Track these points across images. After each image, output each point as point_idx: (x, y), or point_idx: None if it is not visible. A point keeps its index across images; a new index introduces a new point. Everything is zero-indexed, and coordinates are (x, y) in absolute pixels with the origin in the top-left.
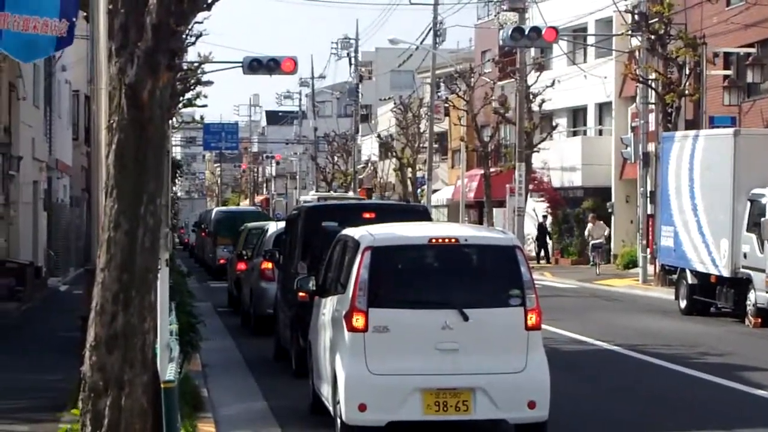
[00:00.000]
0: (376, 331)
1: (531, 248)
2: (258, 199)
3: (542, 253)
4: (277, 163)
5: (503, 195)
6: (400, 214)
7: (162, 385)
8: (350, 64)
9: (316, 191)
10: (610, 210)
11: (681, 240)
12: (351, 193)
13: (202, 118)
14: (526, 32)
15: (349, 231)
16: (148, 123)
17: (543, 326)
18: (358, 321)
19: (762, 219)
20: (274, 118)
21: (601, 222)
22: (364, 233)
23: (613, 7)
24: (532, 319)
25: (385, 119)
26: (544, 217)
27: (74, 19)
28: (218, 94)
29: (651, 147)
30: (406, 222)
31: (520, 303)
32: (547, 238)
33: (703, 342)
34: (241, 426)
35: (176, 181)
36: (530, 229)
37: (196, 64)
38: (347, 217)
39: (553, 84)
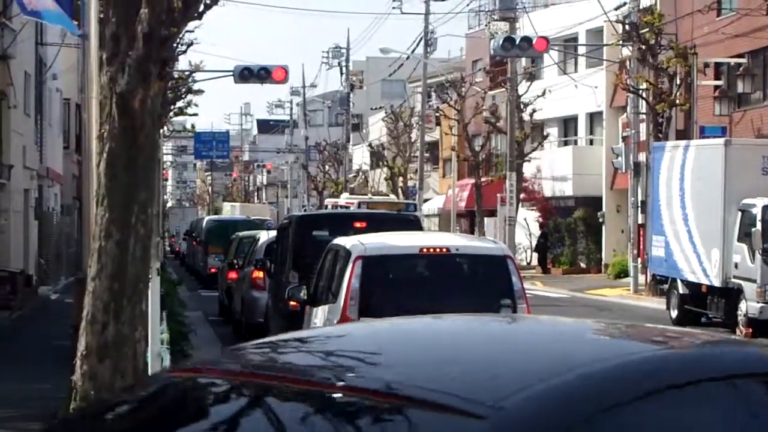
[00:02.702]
0: None
1: (522, 257)
2: None
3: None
4: (268, 171)
5: (494, 204)
6: (390, 224)
7: None
8: (341, 73)
9: (351, 194)
10: (601, 220)
11: (672, 250)
12: (393, 196)
13: (193, 126)
14: (517, 42)
15: (340, 240)
16: (139, 132)
17: None
18: None
19: (753, 229)
20: (265, 126)
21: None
22: (355, 243)
23: (604, 17)
24: None
25: (376, 128)
26: (541, 226)
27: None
28: (209, 103)
29: (642, 157)
30: (397, 231)
31: (511, 312)
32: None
33: None
34: None
35: (165, 185)
36: (521, 239)
37: (187, 73)
38: (338, 227)
39: (544, 94)
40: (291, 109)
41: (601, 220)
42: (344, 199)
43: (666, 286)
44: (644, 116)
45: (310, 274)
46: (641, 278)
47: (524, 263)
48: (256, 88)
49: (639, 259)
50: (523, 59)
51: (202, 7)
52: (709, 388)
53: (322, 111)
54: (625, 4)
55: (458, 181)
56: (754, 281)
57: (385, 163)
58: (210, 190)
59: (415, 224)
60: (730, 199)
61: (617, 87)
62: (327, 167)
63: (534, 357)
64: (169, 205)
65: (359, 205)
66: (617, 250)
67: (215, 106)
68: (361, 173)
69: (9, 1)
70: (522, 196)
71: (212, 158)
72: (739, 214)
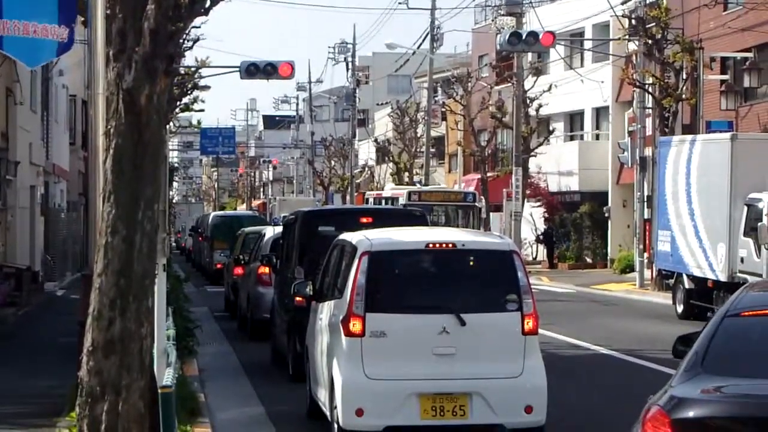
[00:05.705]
0: (373, 336)
1: (528, 252)
2: (255, 203)
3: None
4: (274, 167)
5: (500, 199)
6: (397, 219)
7: (159, 390)
8: (347, 68)
9: (397, 184)
10: (606, 214)
11: (678, 245)
12: (444, 185)
13: (199, 122)
14: (524, 37)
15: (346, 236)
16: (145, 128)
17: (540, 331)
18: (355, 326)
19: (759, 224)
20: (271, 122)
21: None
22: (361, 238)
23: (611, 12)
24: (529, 323)
25: (382, 123)
26: (548, 220)
27: (73, 25)
28: (215, 99)
29: (648, 151)
30: (404, 227)
31: (517, 308)
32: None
33: None
34: (238, 431)
35: (173, 184)
36: (527, 234)
37: (193, 69)
38: (344, 222)
39: (550, 88)
40: (297, 104)
41: (606, 215)
42: (390, 190)
43: (672, 281)
44: (650, 111)
45: (316, 270)
46: (647, 273)
47: (530, 258)
48: (262, 84)
49: (645, 254)
50: (530, 54)
51: (208, 3)
52: None
53: (328, 106)
54: None
55: (464, 176)
56: (760, 275)
57: (391, 158)
58: (216, 185)
59: (421, 220)
60: (736, 193)
61: (623, 82)
62: (333, 162)
63: None
64: (174, 200)
65: (409, 195)
66: (623, 245)
67: (221, 102)
68: (366, 168)
69: None
70: (528, 191)
71: (218, 154)
72: (745, 208)
